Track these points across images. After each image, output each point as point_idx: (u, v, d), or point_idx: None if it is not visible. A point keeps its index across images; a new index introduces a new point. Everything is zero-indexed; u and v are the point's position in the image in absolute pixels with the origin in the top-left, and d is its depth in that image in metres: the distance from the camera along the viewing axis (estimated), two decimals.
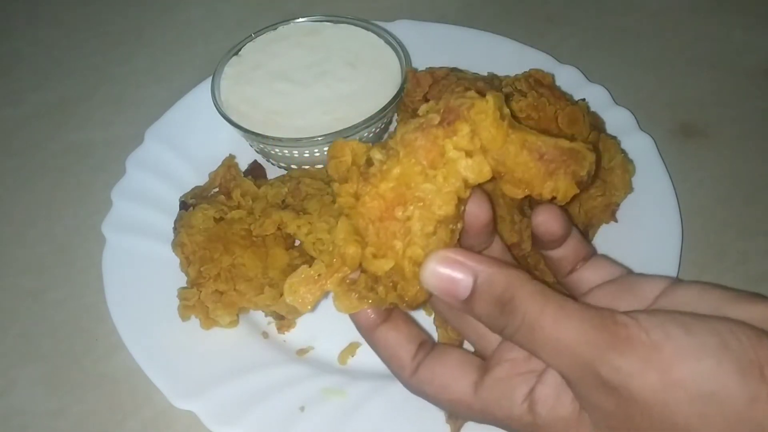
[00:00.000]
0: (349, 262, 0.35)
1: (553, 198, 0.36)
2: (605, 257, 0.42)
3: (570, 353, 0.31)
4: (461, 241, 0.37)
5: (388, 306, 0.36)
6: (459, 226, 0.36)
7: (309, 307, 0.36)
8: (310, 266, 0.36)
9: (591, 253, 0.42)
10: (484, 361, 0.38)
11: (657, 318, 0.31)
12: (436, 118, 0.35)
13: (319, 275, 0.36)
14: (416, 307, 0.36)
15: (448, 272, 0.34)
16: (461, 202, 0.35)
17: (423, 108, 0.36)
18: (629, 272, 0.40)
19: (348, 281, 0.36)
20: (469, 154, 0.34)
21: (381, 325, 0.38)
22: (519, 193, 0.36)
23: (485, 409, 0.36)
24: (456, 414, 0.39)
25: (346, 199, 0.35)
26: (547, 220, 0.39)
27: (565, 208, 0.40)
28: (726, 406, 0.29)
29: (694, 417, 0.29)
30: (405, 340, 0.38)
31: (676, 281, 0.37)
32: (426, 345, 0.39)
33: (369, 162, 0.36)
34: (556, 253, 0.41)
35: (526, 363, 0.36)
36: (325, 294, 0.36)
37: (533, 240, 0.41)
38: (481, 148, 0.34)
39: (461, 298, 0.34)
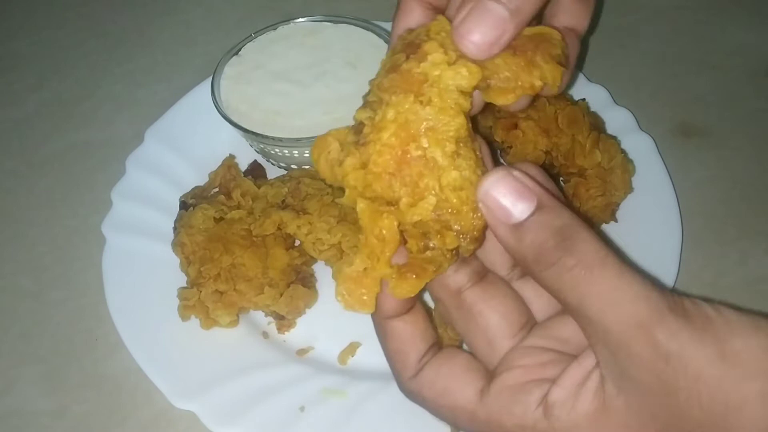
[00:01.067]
0: (389, 238, 0.33)
1: (545, 86, 0.34)
2: None
3: (628, 308, 0.29)
4: None
5: (450, 258, 0.33)
6: (479, 145, 0.34)
7: (371, 306, 0.34)
8: (350, 265, 0.34)
9: None
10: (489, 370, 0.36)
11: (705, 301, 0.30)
12: (402, 57, 0.33)
13: (365, 269, 0.33)
14: (479, 239, 0.33)
15: (510, 190, 0.31)
16: (467, 116, 0.33)
17: (383, 60, 0.35)
18: None
19: (397, 265, 0.33)
20: (449, 63, 0.33)
21: (400, 317, 0.36)
22: (511, 97, 0.34)
23: (491, 418, 0.33)
24: (456, 424, 0.36)
25: (355, 174, 0.33)
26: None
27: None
28: None
29: (750, 395, 0.28)
30: (419, 337, 0.36)
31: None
32: (435, 348, 0.37)
33: (358, 128, 0.34)
34: None
35: (539, 369, 0.34)
36: (381, 285, 0.34)
37: None
38: (458, 58, 0.33)
39: (514, 220, 0.31)
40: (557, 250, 0.30)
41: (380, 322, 0.37)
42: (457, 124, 0.32)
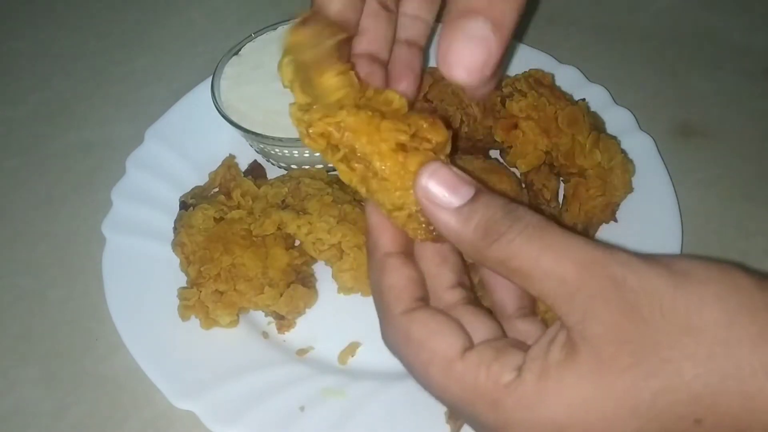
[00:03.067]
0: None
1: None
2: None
3: (581, 251, 0.30)
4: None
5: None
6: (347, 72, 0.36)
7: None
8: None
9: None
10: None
11: None
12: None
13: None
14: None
15: (448, 180, 0.33)
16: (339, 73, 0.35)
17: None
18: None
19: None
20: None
21: (399, 256, 0.37)
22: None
23: (466, 373, 0.32)
24: (425, 375, 0.34)
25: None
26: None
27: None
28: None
29: (707, 298, 0.29)
30: (417, 281, 0.36)
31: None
32: (426, 302, 0.37)
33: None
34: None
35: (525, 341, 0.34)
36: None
37: None
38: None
39: (457, 205, 0.32)
40: (506, 220, 0.32)
41: (379, 258, 0.37)
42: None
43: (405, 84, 0.43)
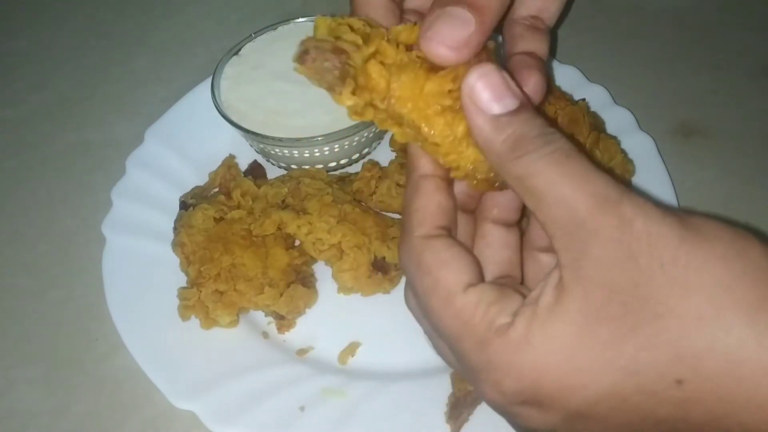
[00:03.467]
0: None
1: None
2: None
3: (599, 185, 0.30)
4: None
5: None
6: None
7: None
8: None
9: None
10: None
11: None
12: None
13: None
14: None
15: (497, 84, 0.32)
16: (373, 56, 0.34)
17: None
18: None
19: None
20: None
21: (436, 183, 0.36)
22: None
23: (463, 309, 0.32)
24: (426, 303, 0.34)
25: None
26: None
27: None
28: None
29: (711, 258, 0.28)
30: (447, 211, 0.36)
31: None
32: (452, 234, 0.36)
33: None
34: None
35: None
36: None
37: None
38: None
39: (496, 112, 0.32)
40: (538, 139, 0.31)
41: (415, 179, 0.37)
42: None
43: (531, 83, 0.42)
